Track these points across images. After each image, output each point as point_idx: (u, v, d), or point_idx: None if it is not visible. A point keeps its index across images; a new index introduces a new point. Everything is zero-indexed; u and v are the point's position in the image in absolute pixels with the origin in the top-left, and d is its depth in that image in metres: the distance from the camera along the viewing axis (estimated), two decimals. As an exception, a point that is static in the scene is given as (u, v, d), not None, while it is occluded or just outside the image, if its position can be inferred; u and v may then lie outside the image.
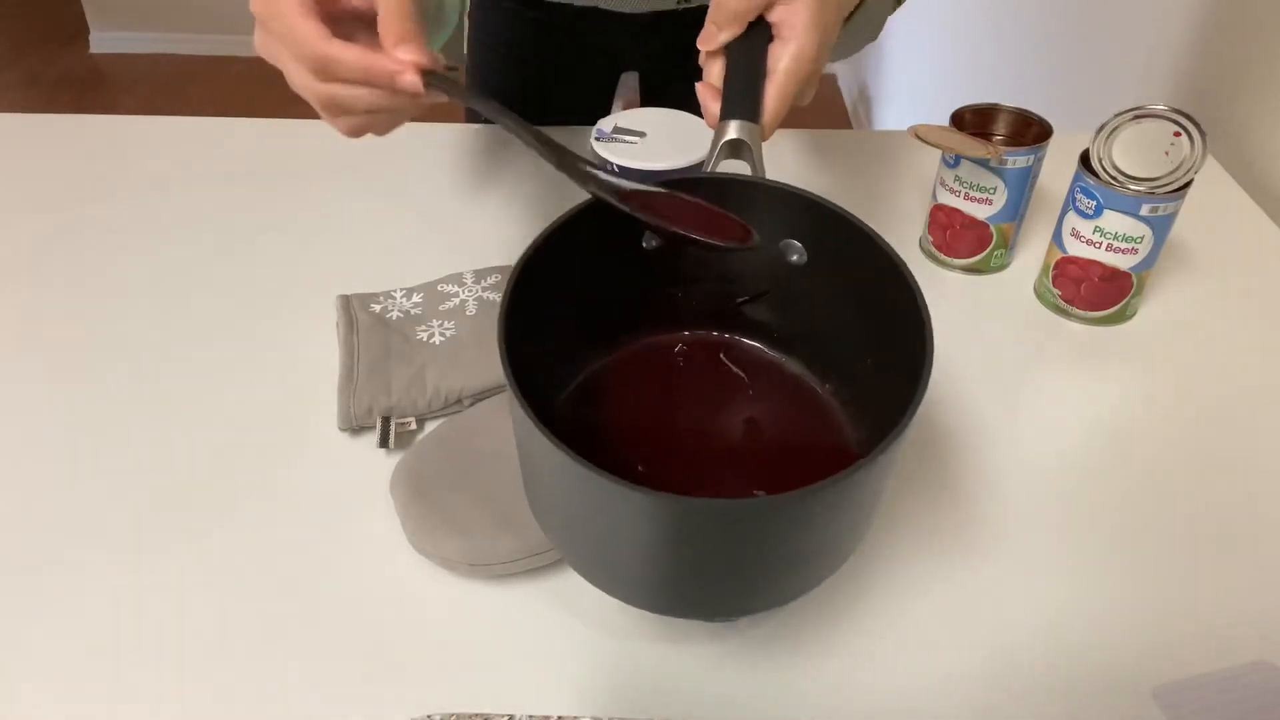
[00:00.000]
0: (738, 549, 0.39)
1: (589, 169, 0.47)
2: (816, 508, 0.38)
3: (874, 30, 0.65)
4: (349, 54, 0.46)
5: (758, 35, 0.52)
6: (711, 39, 0.52)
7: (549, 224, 0.46)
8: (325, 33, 0.46)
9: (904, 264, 0.46)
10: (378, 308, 0.67)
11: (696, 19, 0.53)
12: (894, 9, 0.66)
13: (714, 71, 0.53)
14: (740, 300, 0.55)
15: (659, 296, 0.55)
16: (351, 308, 0.66)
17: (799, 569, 0.42)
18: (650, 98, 1.02)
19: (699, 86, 0.53)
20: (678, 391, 0.54)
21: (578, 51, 0.96)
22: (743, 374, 0.55)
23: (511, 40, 0.96)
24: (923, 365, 0.41)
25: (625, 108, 0.82)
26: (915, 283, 0.45)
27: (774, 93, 0.50)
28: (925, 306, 0.44)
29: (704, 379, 0.55)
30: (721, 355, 0.56)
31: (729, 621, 0.51)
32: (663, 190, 0.48)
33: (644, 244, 0.52)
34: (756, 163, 0.50)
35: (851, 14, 0.59)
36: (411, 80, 0.46)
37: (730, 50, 0.52)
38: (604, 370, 0.55)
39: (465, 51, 1.02)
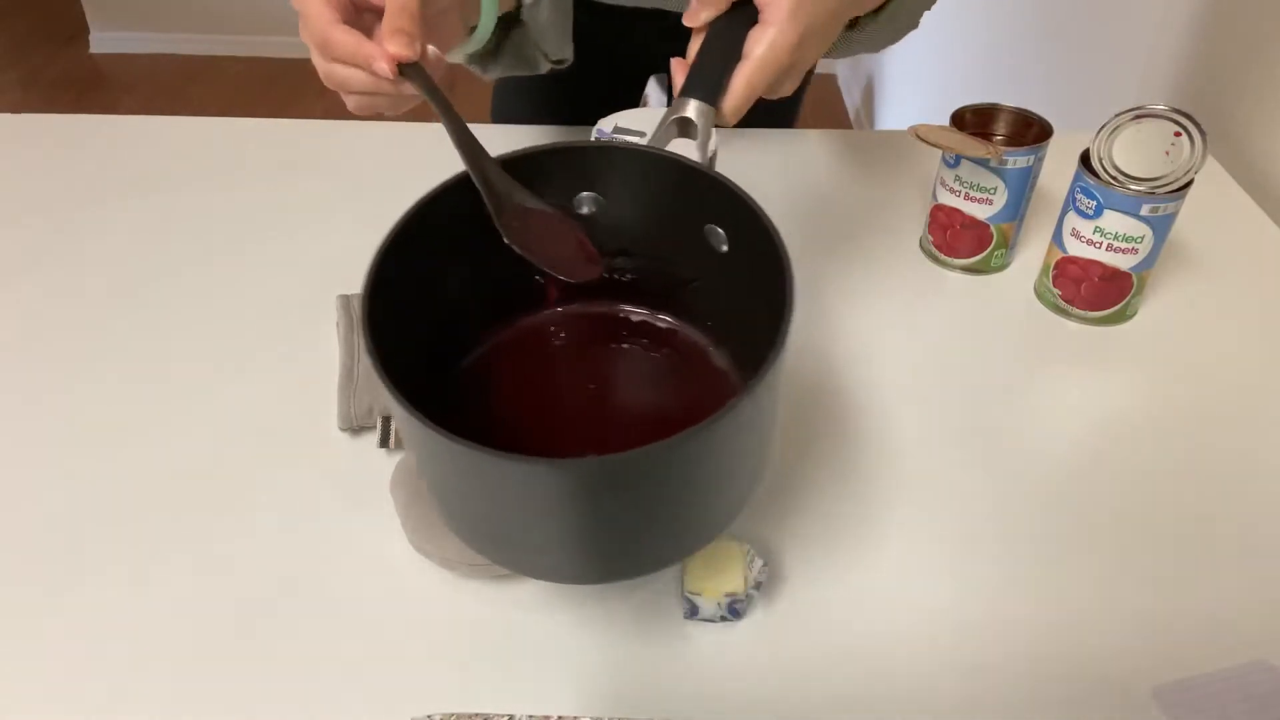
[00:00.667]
0: (616, 505, 0.40)
1: (491, 177, 0.47)
2: (691, 454, 0.39)
3: (912, 20, 0.65)
4: (344, 38, 0.50)
5: (741, 17, 0.50)
6: (695, 16, 0.51)
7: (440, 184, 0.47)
8: (333, 18, 0.50)
9: (764, 213, 0.46)
10: None
11: None
12: (933, 2, 0.66)
13: (693, 48, 0.52)
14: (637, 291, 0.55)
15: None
16: (351, 308, 0.66)
17: (689, 519, 0.44)
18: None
19: (673, 61, 0.52)
20: (583, 365, 0.54)
21: (608, 52, 0.97)
22: (657, 354, 0.55)
23: None
24: (784, 308, 0.43)
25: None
26: (774, 229, 0.45)
27: (741, 78, 0.49)
28: (784, 249, 0.45)
29: (614, 354, 0.55)
30: (641, 332, 0.55)
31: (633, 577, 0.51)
32: (547, 209, 0.48)
33: (578, 208, 0.52)
34: (703, 145, 0.49)
35: (884, 5, 0.58)
36: (381, 67, 0.48)
37: (711, 29, 0.51)
38: (509, 341, 0.54)
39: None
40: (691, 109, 0.49)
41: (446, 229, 0.47)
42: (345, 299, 0.67)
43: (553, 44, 0.67)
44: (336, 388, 0.62)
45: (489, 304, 0.53)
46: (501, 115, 1.05)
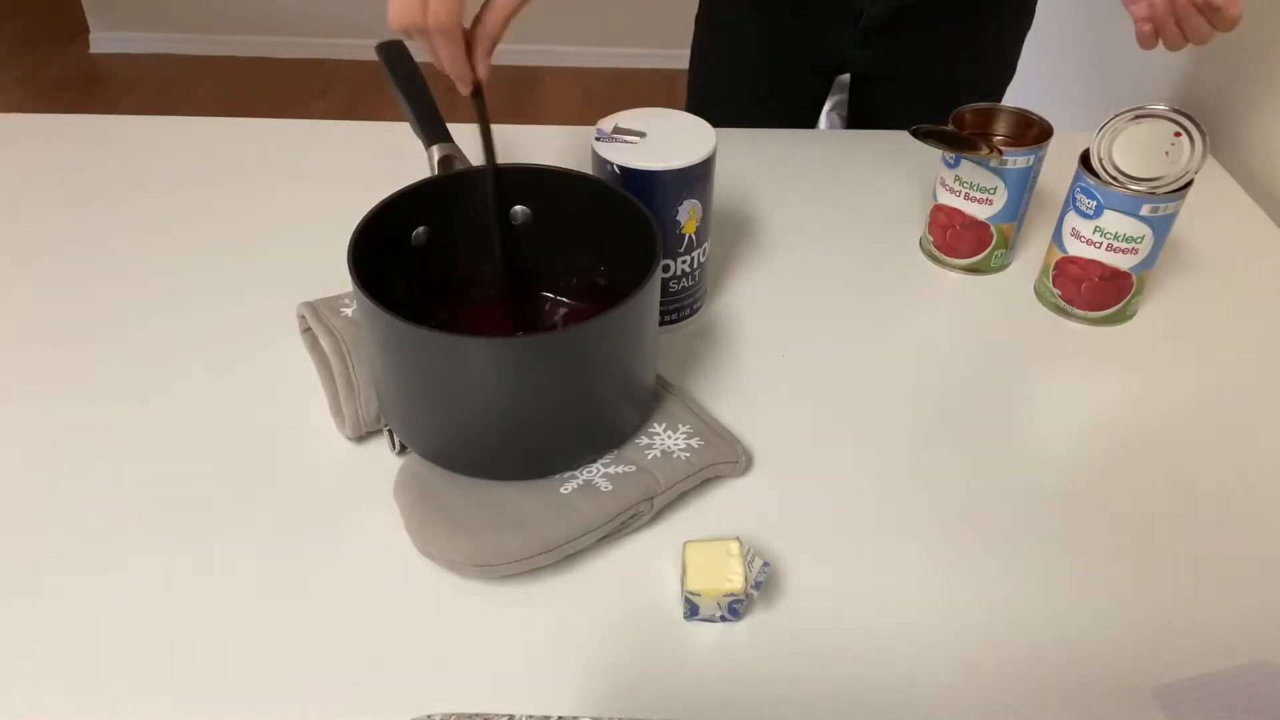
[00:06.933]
0: (540, 382, 0.52)
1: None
2: (589, 337, 0.52)
3: None
4: (454, 46, 0.56)
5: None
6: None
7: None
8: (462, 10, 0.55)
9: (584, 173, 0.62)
10: (348, 311, 0.66)
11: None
12: None
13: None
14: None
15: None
16: (321, 315, 0.65)
17: (596, 410, 0.56)
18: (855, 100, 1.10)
19: None
20: (516, 320, 0.68)
21: (803, 52, 1.00)
22: (572, 308, 0.68)
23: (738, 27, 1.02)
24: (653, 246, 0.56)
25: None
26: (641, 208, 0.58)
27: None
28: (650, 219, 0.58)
29: (538, 314, 0.68)
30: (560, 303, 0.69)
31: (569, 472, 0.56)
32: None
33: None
34: (464, 160, 0.66)
35: None
36: (462, 87, 0.58)
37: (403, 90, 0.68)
38: (457, 314, 0.66)
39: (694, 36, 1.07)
40: (441, 150, 0.65)
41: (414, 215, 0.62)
42: (311, 308, 0.65)
43: None
44: (340, 397, 0.61)
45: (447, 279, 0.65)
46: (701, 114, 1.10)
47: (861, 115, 1.10)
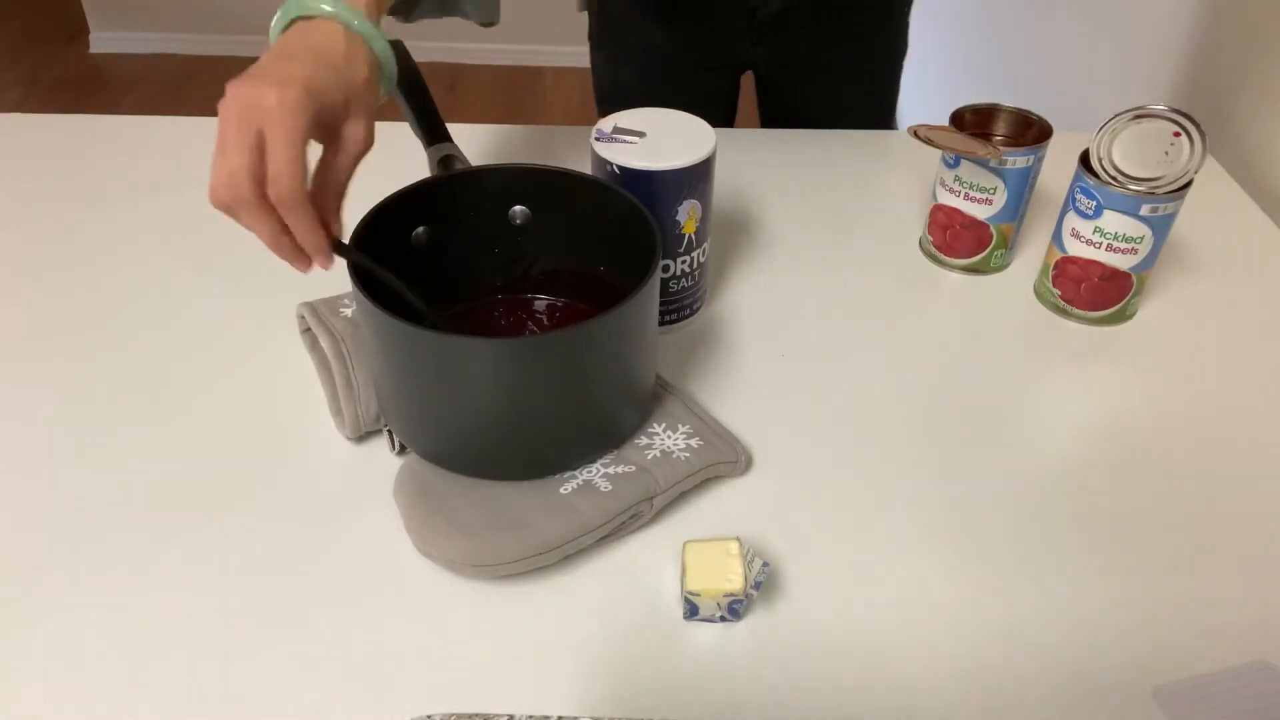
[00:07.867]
0: (542, 382, 0.52)
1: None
2: (590, 337, 0.52)
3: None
4: (308, 219, 0.48)
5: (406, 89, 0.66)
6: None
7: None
8: (303, 179, 0.47)
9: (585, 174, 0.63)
10: (348, 311, 0.66)
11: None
12: None
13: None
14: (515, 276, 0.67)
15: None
16: (321, 316, 0.65)
17: (596, 409, 0.56)
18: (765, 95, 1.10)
19: None
20: (514, 322, 0.67)
21: (703, 52, 1.00)
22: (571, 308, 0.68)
23: (638, 42, 1.03)
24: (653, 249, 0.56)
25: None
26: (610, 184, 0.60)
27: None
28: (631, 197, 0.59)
29: (537, 316, 0.68)
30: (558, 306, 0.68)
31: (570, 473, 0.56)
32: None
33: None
34: (464, 160, 0.66)
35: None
36: (321, 262, 0.51)
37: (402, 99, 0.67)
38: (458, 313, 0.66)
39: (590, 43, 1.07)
40: (440, 150, 0.66)
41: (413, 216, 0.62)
42: (311, 308, 0.65)
43: (478, 11, 0.72)
44: (339, 397, 0.61)
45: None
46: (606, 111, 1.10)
47: (773, 115, 1.10)
